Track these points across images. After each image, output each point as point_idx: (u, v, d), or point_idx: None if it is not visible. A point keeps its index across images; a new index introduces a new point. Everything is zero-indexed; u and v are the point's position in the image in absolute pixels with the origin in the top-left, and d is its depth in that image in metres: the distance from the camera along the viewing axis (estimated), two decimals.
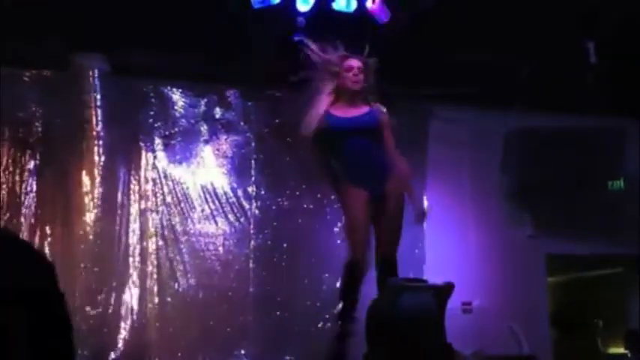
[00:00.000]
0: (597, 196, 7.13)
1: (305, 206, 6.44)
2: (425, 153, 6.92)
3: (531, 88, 6.82)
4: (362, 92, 4.28)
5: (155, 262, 6.19)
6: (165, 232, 6.24)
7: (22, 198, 6.01)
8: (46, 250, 5.98)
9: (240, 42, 5.95)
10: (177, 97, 6.42)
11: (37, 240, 5.97)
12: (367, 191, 4.21)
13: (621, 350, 7.34)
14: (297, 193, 6.44)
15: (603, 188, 7.20)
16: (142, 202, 6.24)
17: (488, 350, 5.98)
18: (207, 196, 6.39)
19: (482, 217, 6.99)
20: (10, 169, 6.02)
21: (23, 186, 6.02)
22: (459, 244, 6.84)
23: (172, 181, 6.33)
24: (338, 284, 6.40)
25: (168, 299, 6.15)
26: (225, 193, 6.43)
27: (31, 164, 6.06)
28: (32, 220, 6.00)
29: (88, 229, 6.03)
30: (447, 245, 6.79)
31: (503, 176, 7.17)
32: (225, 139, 6.49)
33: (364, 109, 4.28)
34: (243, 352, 6.16)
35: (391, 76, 6.38)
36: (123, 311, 6.03)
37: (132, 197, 6.22)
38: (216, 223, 6.37)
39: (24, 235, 5.95)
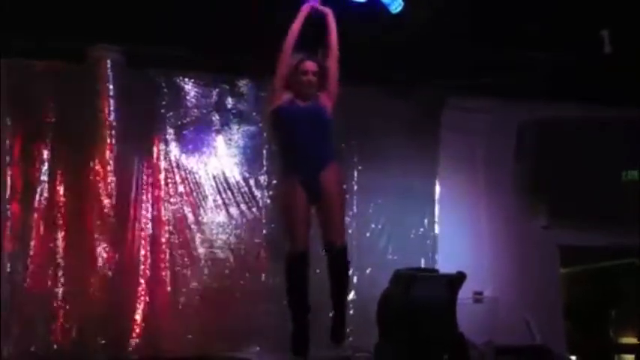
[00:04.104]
0: (612, 187, 7.09)
1: None
2: (437, 142, 6.91)
3: (547, 78, 6.80)
4: (316, 90, 4.58)
5: (167, 252, 6.22)
6: (178, 222, 6.27)
7: (36, 187, 6.04)
8: (60, 240, 6.03)
9: (252, 32, 5.95)
10: (190, 87, 6.44)
11: (50, 229, 6.02)
12: (301, 180, 4.46)
13: (634, 341, 7.32)
14: None
15: (618, 179, 7.16)
16: (155, 191, 6.27)
17: (499, 340, 5.97)
18: (219, 185, 6.41)
19: (495, 207, 6.98)
20: (24, 158, 6.06)
21: (37, 175, 6.05)
22: (472, 234, 6.84)
23: (184, 170, 6.36)
24: (349, 273, 6.47)
25: (181, 288, 6.19)
26: (237, 183, 6.45)
27: (45, 154, 6.09)
28: (46, 210, 6.04)
29: (101, 218, 6.06)
30: (459, 235, 6.79)
31: (517, 166, 7.15)
32: (237, 129, 6.51)
33: (314, 101, 4.56)
34: (255, 340, 6.19)
35: (405, 66, 6.43)
36: (136, 300, 6.06)
37: (144, 187, 6.25)
38: (228, 212, 6.39)
39: (38, 224, 6.00)
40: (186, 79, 6.42)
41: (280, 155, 4.76)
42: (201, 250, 6.28)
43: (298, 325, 4.54)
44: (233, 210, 6.40)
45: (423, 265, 6.39)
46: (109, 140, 6.14)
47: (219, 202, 6.39)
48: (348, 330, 6.14)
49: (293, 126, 4.50)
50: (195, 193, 6.34)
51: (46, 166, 6.08)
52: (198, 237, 6.30)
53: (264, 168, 6.50)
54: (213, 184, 6.41)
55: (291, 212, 4.53)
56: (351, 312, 6.32)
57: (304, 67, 4.57)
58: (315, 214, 4.58)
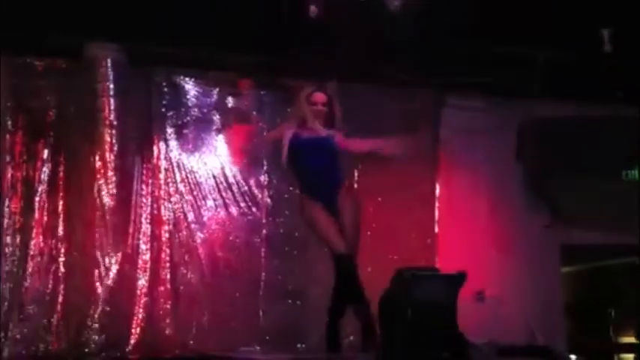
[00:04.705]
0: (613, 186, 7.09)
1: None
2: (437, 141, 6.90)
3: (549, 76, 6.81)
4: (325, 122, 4.98)
5: (168, 251, 6.22)
6: (178, 221, 6.27)
7: (36, 187, 6.03)
8: (60, 239, 6.03)
9: (253, 31, 5.95)
10: (190, 87, 6.43)
11: (50, 228, 6.01)
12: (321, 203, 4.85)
13: (634, 340, 7.31)
14: None
15: (619, 178, 7.16)
16: (155, 190, 6.26)
17: (501, 340, 5.97)
18: (220, 185, 6.41)
19: (496, 207, 6.97)
20: (24, 157, 6.06)
21: (37, 175, 6.05)
22: (473, 234, 6.82)
23: (185, 170, 6.35)
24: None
25: (181, 287, 6.19)
26: (238, 182, 6.45)
27: (45, 153, 6.08)
28: (46, 209, 6.03)
29: (101, 217, 6.06)
30: (460, 234, 6.77)
31: (518, 165, 7.14)
32: (238, 129, 6.51)
33: (324, 131, 4.94)
34: (254, 339, 6.18)
35: (405, 64, 6.43)
36: (136, 299, 6.06)
37: (144, 186, 6.24)
38: (228, 211, 6.39)
39: (38, 224, 6.00)
40: (187, 79, 6.41)
41: (296, 179, 5.10)
42: (201, 250, 6.28)
43: (335, 321, 4.89)
44: (233, 209, 6.40)
45: (423, 265, 6.38)
46: (109, 139, 6.13)
47: (220, 201, 6.39)
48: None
49: (303, 156, 4.89)
50: (195, 193, 6.34)
51: (46, 165, 6.08)
52: (198, 236, 6.30)
53: (264, 167, 6.49)
54: (214, 183, 6.41)
55: (318, 220, 4.85)
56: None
57: (314, 98, 4.97)
58: None
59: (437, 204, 6.88)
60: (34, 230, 5.99)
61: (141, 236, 6.17)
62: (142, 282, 6.11)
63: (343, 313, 4.89)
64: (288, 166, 5.01)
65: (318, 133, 4.91)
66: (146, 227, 6.19)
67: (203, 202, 6.35)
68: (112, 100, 6.15)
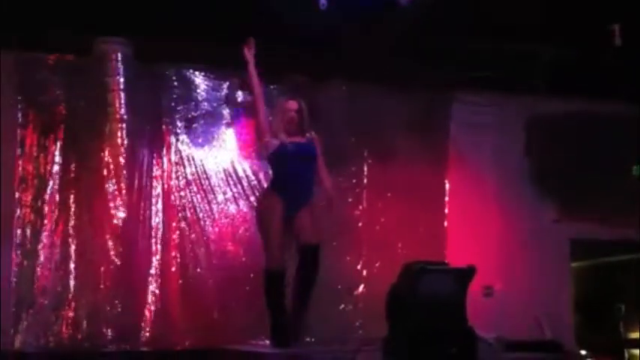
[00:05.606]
0: (621, 181, 7.09)
1: None
2: (447, 137, 6.91)
3: (554, 73, 6.80)
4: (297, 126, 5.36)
5: (178, 245, 6.23)
6: (188, 215, 6.28)
7: (47, 181, 6.06)
8: (71, 232, 6.05)
9: (262, 25, 5.95)
10: (200, 81, 6.44)
11: (61, 223, 6.04)
12: (284, 208, 5.19)
13: None
14: None
15: (627, 173, 7.15)
16: (165, 185, 6.28)
17: (509, 335, 5.97)
18: (229, 178, 6.42)
19: (505, 202, 6.97)
20: (35, 152, 6.08)
21: (48, 168, 6.07)
22: (482, 229, 6.82)
23: (194, 164, 6.36)
24: (359, 267, 6.49)
25: (191, 280, 6.20)
26: (247, 176, 6.46)
27: (55, 148, 6.10)
28: (56, 203, 6.05)
29: (111, 211, 6.08)
30: (469, 229, 6.77)
31: (526, 161, 7.14)
32: (247, 123, 6.51)
33: (302, 139, 5.33)
34: (264, 333, 6.19)
35: (414, 61, 6.43)
36: (146, 293, 6.08)
37: (155, 180, 6.26)
38: (237, 205, 6.40)
39: (49, 217, 6.03)
40: (197, 73, 6.41)
41: (271, 178, 5.41)
42: (211, 243, 6.29)
43: (279, 322, 5.21)
44: (243, 203, 6.42)
45: (432, 259, 6.38)
46: (119, 134, 6.15)
47: (229, 195, 6.39)
48: (357, 323, 6.21)
49: (286, 162, 5.23)
50: (205, 187, 6.35)
51: (57, 159, 6.09)
52: (208, 230, 6.31)
53: None
54: (224, 177, 6.41)
55: (270, 226, 5.18)
56: (360, 305, 6.35)
57: (287, 105, 5.37)
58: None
59: (446, 199, 6.88)
60: (46, 223, 6.02)
61: (151, 230, 6.19)
62: (153, 275, 6.13)
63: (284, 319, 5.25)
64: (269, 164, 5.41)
65: (296, 139, 5.25)
66: (156, 221, 6.21)
67: (213, 195, 6.36)
68: (121, 95, 6.16)
